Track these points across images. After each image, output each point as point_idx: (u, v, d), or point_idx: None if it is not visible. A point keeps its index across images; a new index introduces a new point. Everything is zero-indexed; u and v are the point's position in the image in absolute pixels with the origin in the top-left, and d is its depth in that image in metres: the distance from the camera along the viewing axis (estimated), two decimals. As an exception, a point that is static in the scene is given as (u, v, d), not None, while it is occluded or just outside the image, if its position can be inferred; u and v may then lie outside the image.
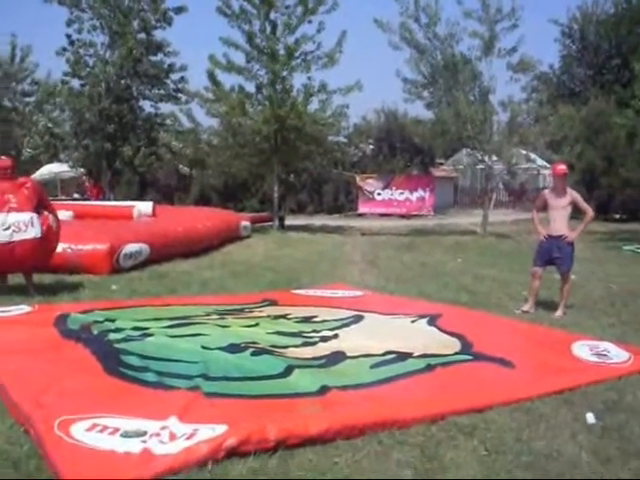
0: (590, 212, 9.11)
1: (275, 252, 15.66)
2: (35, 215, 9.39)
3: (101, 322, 7.37)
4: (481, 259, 14.63)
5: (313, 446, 4.22)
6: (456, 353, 6.56)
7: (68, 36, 25.48)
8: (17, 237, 9.16)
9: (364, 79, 23.10)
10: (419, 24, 22.90)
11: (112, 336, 6.69)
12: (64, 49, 25.51)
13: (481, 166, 26.74)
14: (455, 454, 4.25)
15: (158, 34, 26.31)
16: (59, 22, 27.20)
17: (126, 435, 4.10)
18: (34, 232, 9.31)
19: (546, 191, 9.54)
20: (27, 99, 31.20)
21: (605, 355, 6.51)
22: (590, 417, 4.85)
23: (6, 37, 31.06)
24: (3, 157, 10.03)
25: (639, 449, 4.36)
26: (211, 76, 22.38)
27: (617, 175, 29.37)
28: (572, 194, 9.01)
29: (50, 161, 32.40)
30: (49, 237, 9.67)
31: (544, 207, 9.24)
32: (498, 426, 4.69)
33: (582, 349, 6.72)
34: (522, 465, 4.12)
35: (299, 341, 6.88)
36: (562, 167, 9.22)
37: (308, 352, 6.40)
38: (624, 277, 12.22)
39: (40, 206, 9.62)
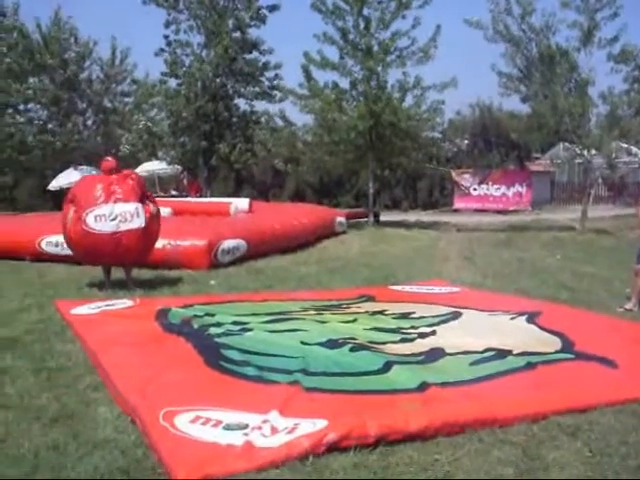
0: None
1: (370, 248, 15.65)
2: (140, 205, 9.63)
3: (201, 316, 7.53)
4: (580, 255, 14.27)
5: (413, 442, 4.21)
6: (557, 351, 6.42)
7: (166, 37, 26.05)
8: (123, 227, 9.39)
9: (458, 73, 22.89)
10: (512, 16, 22.48)
11: (212, 330, 6.83)
12: (162, 50, 26.11)
13: (579, 160, 26.05)
14: (558, 454, 4.16)
15: (252, 32, 26.62)
16: (158, 24, 27.65)
17: (228, 428, 4.18)
18: (139, 222, 9.56)
19: None
20: (126, 99, 32.10)
21: None
22: (698, 419, 4.68)
23: (107, 40, 31.93)
24: (108, 158, 10.34)
25: None
26: (306, 72, 22.51)
27: None
28: None
29: (148, 159, 33.17)
30: (152, 227, 9.93)
31: None
32: (602, 427, 4.57)
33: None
34: (629, 468, 4.00)
35: (397, 337, 6.87)
36: None
37: (406, 348, 6.38)
38: None
39: (143, 197, 9.88)
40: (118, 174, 9.82)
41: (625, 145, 25.85)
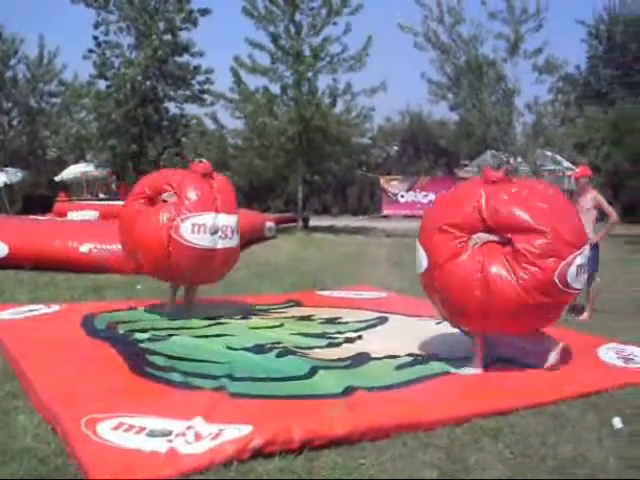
0: (614, 215, 9.05)
1: (299, 253, 15.67)
2: (238, 220, 8.14)
3: (127, 322, 7.43)
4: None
5: (338, 447, 4.23)
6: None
7: (95, 38, 25.71)
8: (221, 244, 7.79)
9: (389, 81, 23.04)
10: (443, 25, 22.86)
11: (138, 336, 6.74)
12: (91, 51, 25.75)
13: (506, 168, 26.59)
14: (480, 457, 4.23)
15: (184, 35, 26.48)
16: (87, 24, 27.25)
17: (152, 434, 4.13)
18: (236, 240, 8.11)
19: (573, 194, 9.53)
20: (54, 100, 31.52)
21: (632, 359, 6.45)
22: (617, 422, 4.80)
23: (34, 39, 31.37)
24: (202, 160, 8.38)
25: (667, 454, 4.32)
26: (236, 75, 22.44)
27: (644, 177, 29.11)
28: (595, 197, 8.96)
29: (76, 161, 32.64)
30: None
31: None
32: (523, 429, 4.67)
33: (608, 353, 6.66)
34: (548, 469, 4.09)
35: (324, 342, 6.89)
36: (577, 170, 9.31)
37: (333, 353, 6.40)
38: (651, 280, 12.11)
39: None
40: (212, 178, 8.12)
41: (550, 153, 26.48)
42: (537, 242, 5.63)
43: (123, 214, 8.33)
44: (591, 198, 8.95)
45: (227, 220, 7.81)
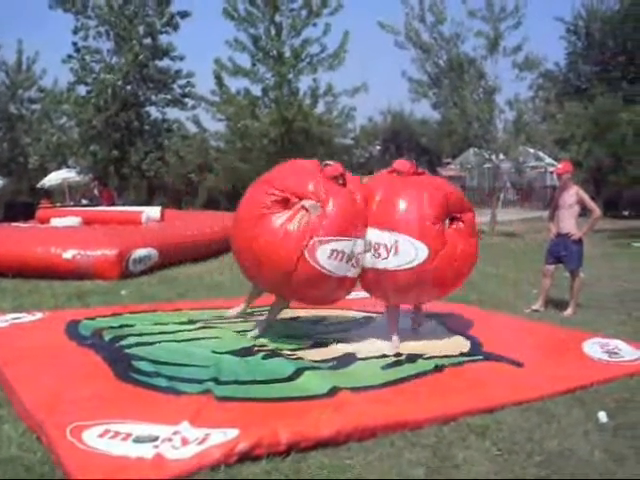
0: (597, 211, 9.12)
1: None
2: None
3: (112, 328, 7.37)
4: (489, 258, 14.56)
5: (325, 448, 4.24)
6: (465, 354, 6.55)
7: (74, 43, 25.60)
8: (352, 273, 6.81)
9: (370, 81, 23.11)
10: (425, 24, 22.93)
11: (123, 342, 6.69)
12: (70, 56, 25.62)
13: (488, 165, 26.72)
14: (467, 454, 4.25)
15: (164, 39, 26.41)
16: (67, 30, 27.15)
17: (138, 440, 4.11)
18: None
19: (557, 190, 9.60)
20: (34, 106, 31.33)
21: (616, 353, 6.49)
22: (602, 416, 4.84)
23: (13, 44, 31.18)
24: (330, 162, 7.30)
25: (652, 447, 4.36)
26: (217, 78, 22.39)
27: (625, 172, 29.25)
28: (578, 193, 9.01)
29: (58, 167, 32.49)
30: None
31: (556, 206, 9.29)
32: (510, 426, 4.69)
33: (593, 347, 6.70)
34: (535, 464, 4.12)
35: (309, 343, 6.88)
36: (559, 167, 9.37)
37: (319, 354, 6.40)
38: (634, 274, 12.19)
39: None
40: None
41: (532, 150, 26.61)
42: None
43: (245, 213, 6.98)
44: (574, 194, 9.00)
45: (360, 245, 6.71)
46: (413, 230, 6.60)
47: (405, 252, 6.55)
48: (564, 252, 8.97)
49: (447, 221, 7.02)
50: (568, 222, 9.02)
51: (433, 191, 6.91)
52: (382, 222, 6.67)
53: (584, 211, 9.25)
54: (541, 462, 4.14)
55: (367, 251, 6.69)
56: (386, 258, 6.62)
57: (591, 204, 9.09)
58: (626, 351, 6.57)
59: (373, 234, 6.68)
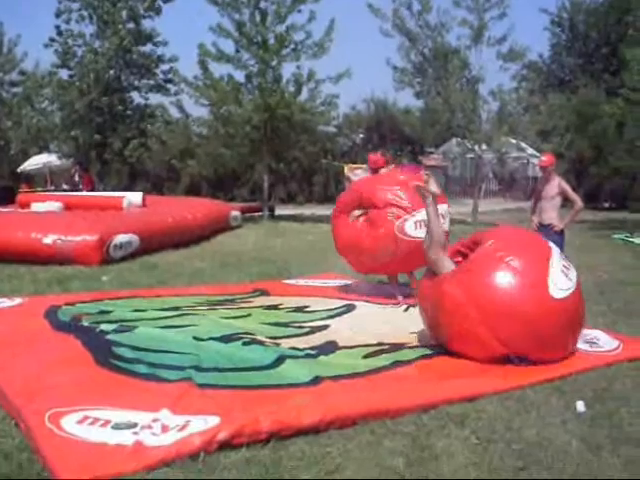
0: (579, 202, 9.20)
1: (265, 242, 15.64)
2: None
3: (92, 314, 7.34)
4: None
5: (305, 436, 4.24)
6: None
7: (57, 27, 25.34)
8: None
9: (353, 68, 22.97)
10: (411, 11, 22.91)
11: (103, 327, 6.64)
12: (52, 40, 25.37)
13: (471, 155, 26.78)
14: (446, 443, 4.27)
15: (147, 24, 26.22)
16: (50, 13, 26.88)
17: (117, 427, 4.10)
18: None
19: (539, 181, 9.66)
20: (14, 89, 30.99)
21: (595, 343, 6.53)
22: (580, 405, 4.88)
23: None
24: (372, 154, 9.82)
25: (628, 436, 4.40)
26: (202, 63, 22.26)
27: (606, 164, 29.43)
28: (561, 184, 9.09)
29: (39, 152, 32.22)
30: None
31: (538, 197, 9.37)
32: (489, 415, 4.72)
33: (573, 337, 6.73)
34: (513, 453, 4.15)
35: (291, 331, 6.89)
36: (543, 159, 9.44)
37: (300, 342, 6.40)
38: (614, 265, 12.26)
39: None
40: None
41: (514, 141, 26.67)
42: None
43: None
44: (556, 185, 9.07)
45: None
46: None
47: None
48: None
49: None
50: (550, 213, 9.10)
51: None
52: None
53: (565, 202, 9.32)
54: (519, 451, 4.17)
55: None
56: None
57: (573, 195, 9.17)
58: (605, 341, 6.61)
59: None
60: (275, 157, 24.87)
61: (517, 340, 5.72)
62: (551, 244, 6.48)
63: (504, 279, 5.81)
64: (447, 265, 6.25)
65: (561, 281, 5.93)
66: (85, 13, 25.42)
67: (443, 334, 6.14)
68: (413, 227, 8.28)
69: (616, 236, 17.76)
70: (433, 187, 6.72)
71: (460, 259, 6.53)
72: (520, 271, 5.84)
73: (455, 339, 6.00)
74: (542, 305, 5.76)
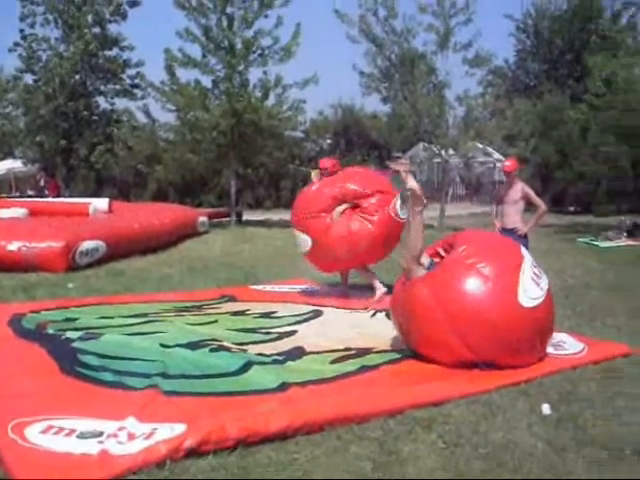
0: (542, 206, 9.30)
1: (233, 247, 15.60)
2: None
3: (57, 321, 7.28)
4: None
5: (272, 442, 4.23)
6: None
7: (21, 31, 25.10)
8: None
9: (320, 74, 22.96)
10: (377, 17, 22.98)
11: (69, 335, 6.58)
12: (17, 44, 25.12)
13: (438, 160, 26.92)
14: (413, 447, 4.28)
15: (113, 28, 26.05)
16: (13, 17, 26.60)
17: (82, 436, 4.06)
18: None
19: (500, 186, 9.75)
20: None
21: (561, 346, 6.59)
22: (546, 408, 4.92)
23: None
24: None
25: (592, 438, 4.44)
26: (168, 68, 22.16)
27: (571, 169, 29.73)
28: (524, 189, 9.19)
29: (4, 158, 31.89)
30: None
31: (500, 201, 9.45)
32: (456, 419, 4.74)
33: (538, 341, 6.78)
34: (479, 457, 4.17)
35: (258, 337, 6.89)
36: (507, 164, 9.52)
37: (267, 348, 6.39)
38: (579, 269, 12.38)
39: None
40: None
41: (481, 145, 26.85)
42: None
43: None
44: (519, 189, 9.17)
45: None
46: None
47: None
48: None
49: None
50: (514, 217, 9.19)
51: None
52: None
53: (529, 206, 9.42)
54: (486, 455, 4.20)
55: None
56: None
57: (536, 199, 9.27)
58: (570, 344, 6.68)
59: None
60: (242, 162, 24.79)
61: (485, 347, 5.76)
62: (524, 251, 6.52)
63: (474, 286, 5.84)
64: (419, 274, 6.26)
65: (531, 289, 5.97)
66: (50, 17, 25.21)
67: (413, 338, 6.17)
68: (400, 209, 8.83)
69: (581, 240, 17.94)
70: (411, 183, 6.76)
71: (438, 260, 6.56)
72: (490, 278, 5.87)
73: (424, 344, 6.02)
74: (511, 313, 5.80)
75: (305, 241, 9.05)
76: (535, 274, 6.17)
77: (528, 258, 6.36)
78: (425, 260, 6.46)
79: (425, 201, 6.75)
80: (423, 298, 5.93)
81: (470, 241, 6.50)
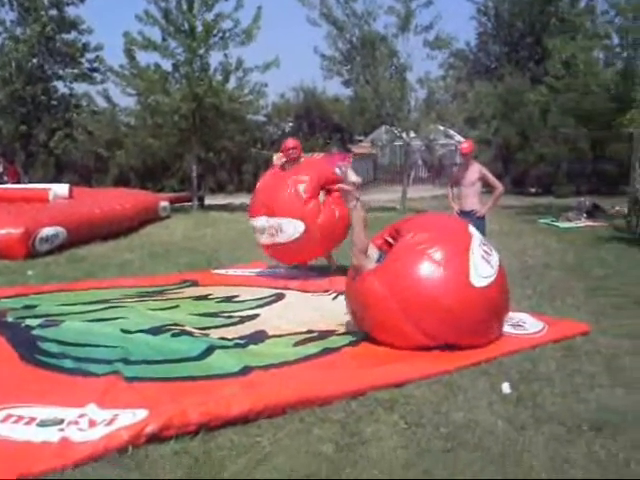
0: (499, 187, 9.38)
1: (195, 232, 15.52)
2: None
3: (17, 309, 7.19)
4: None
5: (234, 426, 4.23)
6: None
7: (-25, 14, 24.70)
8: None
9: (282, 57, 22.92)
10: (338, 0, 22.90)
11: (28, 323, 6.51)
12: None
13: (400, 143, 27.00)
14: (375, 428, 4.31)
15: (71, 11, 25.69)
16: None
17: (43, 424, 4.03)
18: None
19: (456, 168, 9.79)
20: None
21: (521, 326, 6.65)
22: (506, 387, 4.98)
23: None
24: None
25: (551, 415, 4.51)
26: (128, 52, 21.91)
27: (532, 150, 30.02)
28: (481, 170, 9.25)
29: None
30: None
31: (457, 183, 9.50)
32: (417, 400, 4.77)
33: (499, 321, 6.85)
34: (441, 436, 4.21)
35: (220, 321, 6.88)
36: (464, 145, 9.53)
37: (230, 332, 6.39)
38: (539, 249, 12.51)
39: None
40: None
41: (442, 128, 26.96)
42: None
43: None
44: (476, 171, 9.22)
45: None
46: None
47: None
48: None
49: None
50: (472, 199, 9.25)
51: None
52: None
53: (485, 187, 9.49)
54: (447, 434, 4.24)
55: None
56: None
57: (494, 180, 9.35)
58: (530, 324, 6.75)
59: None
60: (204, 147, 24.68)
61: (441, 331, 5.80)
62: (472, 229, 6.54)
63: (425, 272, 5.86)
64: (369, 266, 6.25)
65: (482, 268, 6.01)
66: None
67: (367, 327, 6.18)
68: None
69: (542, 221, 18.13)
70: (352, 177, 6.76)
71: (387, 248, 6.55)
72: (441, 263, 5.88)
73: (379, 333, 6.03)
74: (464, 295, 5.83)
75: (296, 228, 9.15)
76: (485, 252, 6.20)
77: (476, 236, 6.38)
78: (373, 252, 6.44)
79: (357, 195, 6.69)
80: (375, 290, 5.94)
81: (417, 226, 6.49)
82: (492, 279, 6.02)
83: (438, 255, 5.91)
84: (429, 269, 5.86)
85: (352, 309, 6.35)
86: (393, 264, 6.03)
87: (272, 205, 9.22)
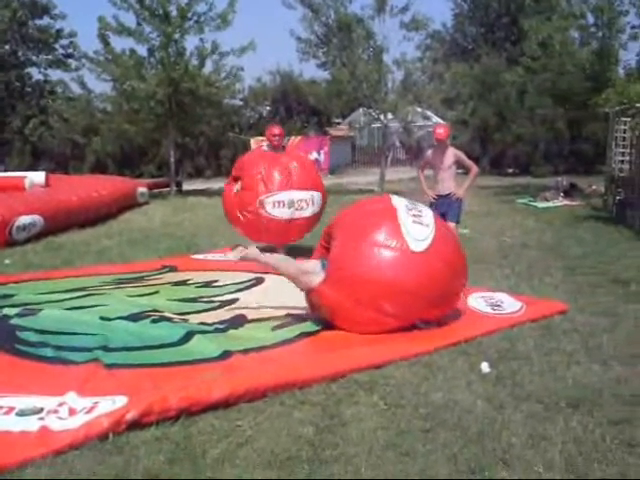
0: (475, 168, 9.46)
1: (173, 218, 15.48)
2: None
3: (-6, 298, 7.15)
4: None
5: (215, 411, 4.24)
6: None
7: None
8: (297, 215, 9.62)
9: (258, 40, 22.81)
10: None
11: (6, 312, 6.46)
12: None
13: (377, 125, 27.00)
14: (355, 410, 4.33)
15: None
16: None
17: (22, 414, 4.01)
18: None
19: (429, 152, 9.78)
20: None
21: (499, 306, 6.71)
22: (485, 366, 5.02)
23: None
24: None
25: (529, 394, 4.55)
26: (102, 37, 21.73)
27: (509, 131, 30.12)
28: (455, 153, 9.28)
29: None
30: None
31: (429, 167, 9.53)
32: (397, 381, 4.80)
33: (478, 301, 6.90)
34: (420, 416, 4.23)
35: (200, 307, 6.87)
36: (439, 131, 9.42)
37: (209, 317, 6.38)
38: (517, 229, 12.60)
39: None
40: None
41: (420, 109, 26.99)
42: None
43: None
44: (451, 155, 9.24)
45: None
46: None
47: None
48: (446, 209, 9.14)
49: None
50: (448, 183, 9.29)
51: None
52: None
53: (462, 169, 9.55)
54: (427, 414, 4.27)
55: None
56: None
57: (469, 162, 9.41)
58: (508, 303, 6.80)
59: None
60: (181, 132, 24.58)
61: (406, 310, 5.83)
62: (393, 200, 6.45)
63: (367, 262, 5.83)
64: (317, 280, 6.23)
65: (416, 231, 5.95)
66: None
67: (341, 326, 6.14)
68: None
69: (519, 201, 18.23)
70: (235, 255, 6.81)
71: (327, 254, 6.47)
72: (376, 245, 5.86)
73: (353, 327, 5.99)
74: (410, 265, 5.82)
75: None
76: (414, 215, 6.13)
77: (400, 204, 6.30)
78: (315, 265, 6.41)
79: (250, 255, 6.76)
80: (329, 297, 5.93)
81: (343, 224, 6.41)
82: (431, 239, 5.95)
83: (372, 240, 5.88)
84: (368, 257, 5.83)
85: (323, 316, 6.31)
86: (335, 268, 6.01)
87: (305, 179, 9.72)
